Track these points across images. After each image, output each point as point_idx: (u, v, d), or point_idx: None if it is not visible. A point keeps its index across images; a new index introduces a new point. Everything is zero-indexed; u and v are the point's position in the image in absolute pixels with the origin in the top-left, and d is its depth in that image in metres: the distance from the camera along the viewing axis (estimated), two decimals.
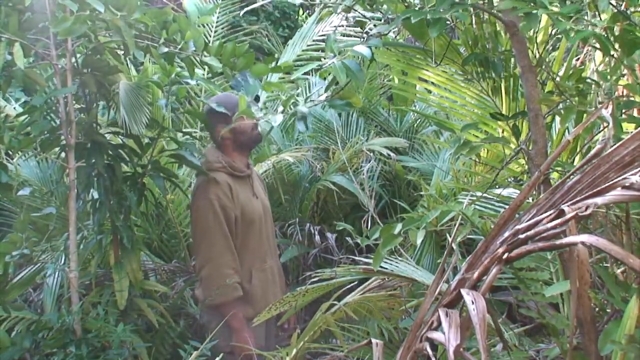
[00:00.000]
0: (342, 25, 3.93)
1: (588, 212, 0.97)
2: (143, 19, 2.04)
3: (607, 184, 1.09)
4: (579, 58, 2.84)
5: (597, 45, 1.72)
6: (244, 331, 2.44)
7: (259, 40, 4.90)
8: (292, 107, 1.87)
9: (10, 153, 3.15)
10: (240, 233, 2.52)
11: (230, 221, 2.48)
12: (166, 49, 2.14)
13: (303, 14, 7.55)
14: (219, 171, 2.52)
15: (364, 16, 2.07)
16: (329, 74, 1.82)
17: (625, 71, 2.00)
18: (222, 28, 4.33)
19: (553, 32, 2.11)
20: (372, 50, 1.82)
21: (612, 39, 1.68)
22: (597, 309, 1.62)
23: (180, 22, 2.10)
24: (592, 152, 1.27)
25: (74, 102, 2.40)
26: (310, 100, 1.92)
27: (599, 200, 1.00)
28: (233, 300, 2.45)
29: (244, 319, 2.45)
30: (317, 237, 3.64)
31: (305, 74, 2.15)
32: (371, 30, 1.97)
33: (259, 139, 2.65)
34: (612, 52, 1.70)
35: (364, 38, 1.93)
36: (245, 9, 2.66)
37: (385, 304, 2.16)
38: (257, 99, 2.48)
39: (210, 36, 4.25)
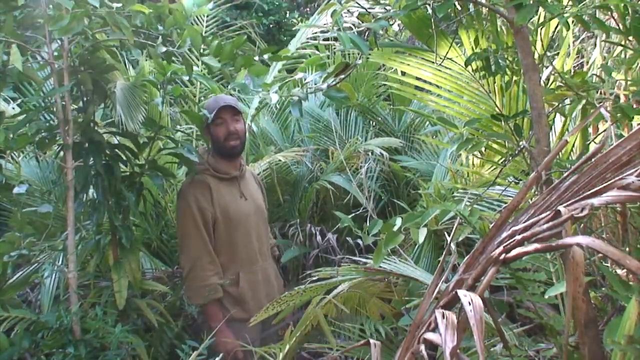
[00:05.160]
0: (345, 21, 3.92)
1: (584, 213, 0.96)
2: (140, 7, 2.01)
3: (604, 184, 1.08)
4: (582, 55, 2.82)
5: (601, 33, 1.68)
6: (223, 332, 2.43)
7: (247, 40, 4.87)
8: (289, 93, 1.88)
9: (14, 153, 3.14)
10: (224, 234, 2.53)
11: (208, 223, 2.50)
12: (165, 49, 2.13)
13: (298, 16, 7.58)
14: (202, 173, 2.56)
15: (367, 11, 2.06)
16: (327, 70, 1.82)
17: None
18: (214, 24, 4.29)
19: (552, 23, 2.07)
20: (371, 46, 1.81)
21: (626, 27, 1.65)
22: (596, 309, 1.61)
23: (176, 16, 2.08)
24: (590, 151, 1.26)
25: (71, 101, 2.38)
26: (307, 87, 1.92)
27: (596, 201, 0.99)
28: (213, 301, 2.46)
29: (224, 320, 2.44)
30: (318, 238, 3.63)
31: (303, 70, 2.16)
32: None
33: (234, 150, 2.56)
34: (624, 41, 1.66)
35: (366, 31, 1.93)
36: (237, 1, 2.65)
37: (377, 289, 2.13)
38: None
39: (202, 32, 4.20)
